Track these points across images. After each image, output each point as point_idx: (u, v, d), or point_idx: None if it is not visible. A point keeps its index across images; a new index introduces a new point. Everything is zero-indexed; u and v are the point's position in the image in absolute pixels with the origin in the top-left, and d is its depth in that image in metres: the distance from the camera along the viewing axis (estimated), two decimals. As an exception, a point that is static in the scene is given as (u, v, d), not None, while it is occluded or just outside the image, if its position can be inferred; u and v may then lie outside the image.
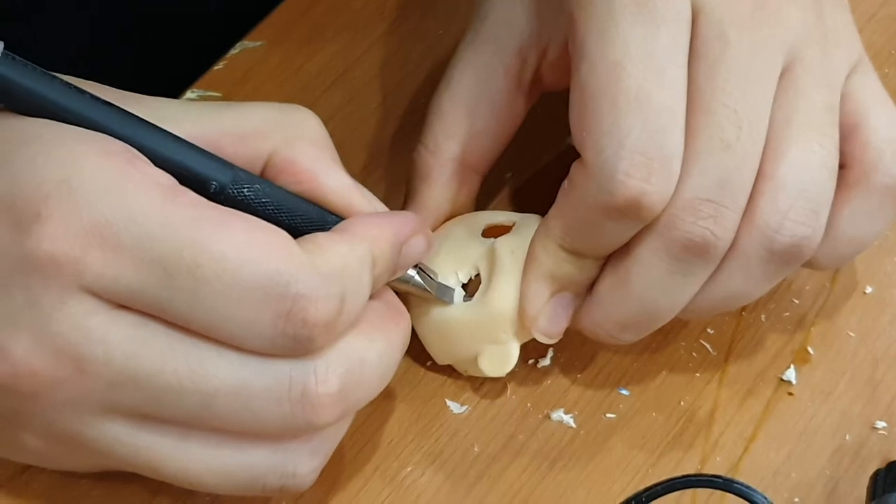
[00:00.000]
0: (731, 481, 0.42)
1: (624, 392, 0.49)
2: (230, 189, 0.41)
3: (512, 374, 0.49)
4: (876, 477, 0.45)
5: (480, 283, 0.47)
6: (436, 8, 0.59)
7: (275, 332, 0.39)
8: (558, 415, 0.48)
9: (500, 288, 0.46)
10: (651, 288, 0.44)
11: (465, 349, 0.47)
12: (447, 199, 0.49)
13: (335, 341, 0.40)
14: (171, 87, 0.55)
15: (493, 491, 0.47)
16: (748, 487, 0.42)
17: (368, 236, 0.42)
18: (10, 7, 0.57)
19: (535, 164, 0.54)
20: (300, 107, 0.44)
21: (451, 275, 0.47)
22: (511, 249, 0.46)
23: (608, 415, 0.48)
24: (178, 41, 0.59)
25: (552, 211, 0.45)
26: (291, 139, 0.43)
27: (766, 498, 0.41)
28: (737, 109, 0.42)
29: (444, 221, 0.50)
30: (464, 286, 0.47)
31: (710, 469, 0.47)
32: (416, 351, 0.49)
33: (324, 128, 0.44)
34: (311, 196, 0.43)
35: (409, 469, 0.47)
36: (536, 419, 0.48)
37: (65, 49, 0.57)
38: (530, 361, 0.49)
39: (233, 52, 0.57)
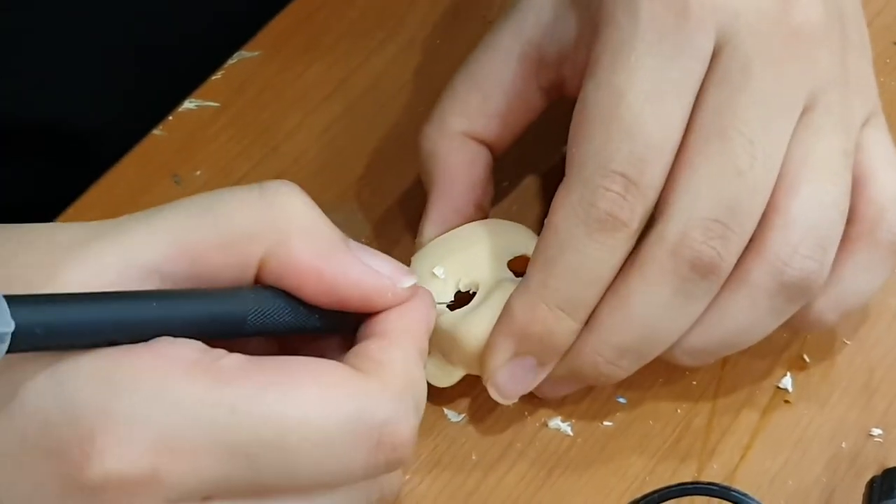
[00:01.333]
0: (728, 489, 0.43)
1: (621, 400, 0.49)
2: (251, 321, 0.39)
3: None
4: (872, 484, 0.45)
5: (470, 301, 0.47)
6: (434, 17, 0.59)
7: (367, 465, 0.38)
8: (555, 423, 0.48)
9: (475, 322, 0.46)
10: (653, 309, 0.44)
11: None
12: (460, 172, 0.49)
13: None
14: (169, 97, 0.56)
15: (490, 499, 0.47)
16: (744, 495, 0.42)
17: (411, 333, 0.41)
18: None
19: (536, 171, 0.54)
20: (282, 186, 0.40)
21: (454, 278, 0.47)
22: (508, 296, 0.46)
23: (605, 423, 0.49)
24: (175, 51, 0.59)
25: (532, 258, 0.45)
26: (283, 237, 0.39)
27: (762, 506, 0.41)
28: (752, 139, 0.43)
29: (465, 200, 0.49)
30: (459, 293, 0.47)
31: (706, 477, 0.47)
32: (414, 359, 0.49)
33: (309, 203, 0.40)
34: (322, 292, 0.40)
35: (407, 477, 0.47)
36: (534, 427, 0.48)
37: (63, 60, 0.58)
38: (528, 370, 0.49)
39: (230, 61, 0.57)
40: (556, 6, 0.49)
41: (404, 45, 0.58)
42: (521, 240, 0.48)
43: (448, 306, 0.47)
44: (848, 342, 0.50)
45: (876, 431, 0.48)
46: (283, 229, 0.39)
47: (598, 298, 0.44)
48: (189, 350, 0.37)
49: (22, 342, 0.34)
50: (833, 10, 0.45)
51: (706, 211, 0.43)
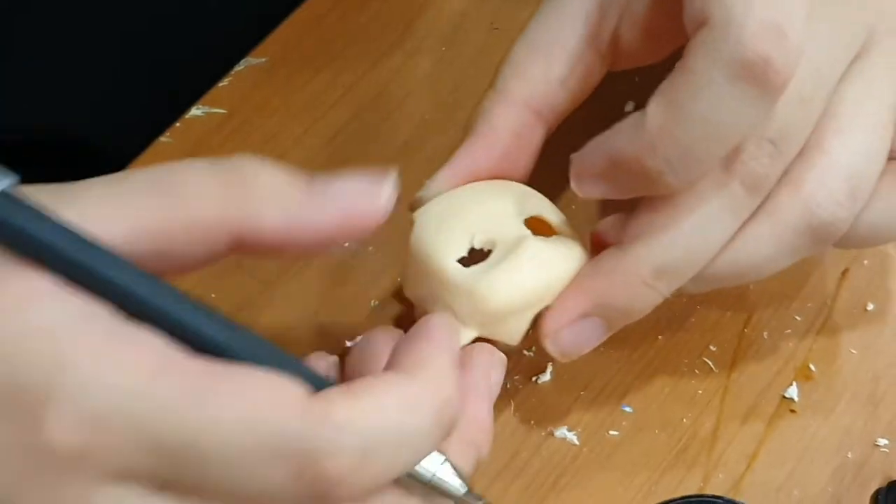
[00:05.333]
0: (732, 502, 0.43)
1: (627, 409, 0.49)
2: (226, 344, 0.36)
3: (514, 390, 0.49)
4: (877, 495, 0.45)
5: (486, 258, 0.45)
6: (441, 24, 0.59)
7: (289, 491, 0.36)
8: (562, 432, 0.49)
9: (497, 280, 0.44)
10: (700, 224, 0.43)
11: (430, 301, 0.45)
12: (504, 136, 0.47)
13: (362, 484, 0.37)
14: (176, 104, 0.56)
15: (496, 508, 0.47)
16: (749, 507, 0.43)
17: (431, 382, 0.37)
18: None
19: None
20: (247, 164, 0.38)
21: (468, 235, 0.45)
22: (534, 254, 0.44)
23: (611, 432, 0.49)
24: (182, 57, 0.59)
25: (635, 216, 0.44)
26: (251, 216, 0.37)
27: (767, 518, 0.41)
28: (819, 68, 0.42)
29: (494, 165, 0.47)
30: (472, 250, 0.45)
31: (712, 487, 0.47)
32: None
33: (274, 171, 0.39)
34: (303, 243, 0.38)
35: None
36: (540, 436, 0.49)
37: (66, 64, 0.58)
38: (533, 379, 0.50)
39: (237, 68, 0.57)
40: None
41: (411, 52, 0.58)
42: (534, 201, 0.47)
43: (461, 264, 0.45)
44: (854, 351, 0.51)
45: (882, 441, 0.48)
46: (251, 208, 0.37)
47: (697, 272, 0.44)
48: (149, 345, 0.36)
49: None
50: None
51: (762, 130, 0.42)
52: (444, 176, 0.47)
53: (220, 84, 0.57)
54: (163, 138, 0.55)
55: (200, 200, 0.37)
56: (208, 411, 0.35)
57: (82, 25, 0.57)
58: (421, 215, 0.46)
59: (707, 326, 0.51)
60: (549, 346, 0.45)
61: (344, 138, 0.56)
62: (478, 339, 0.45)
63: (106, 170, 0.53)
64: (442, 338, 0.39)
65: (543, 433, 0.49)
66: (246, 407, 0.35)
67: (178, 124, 0.56)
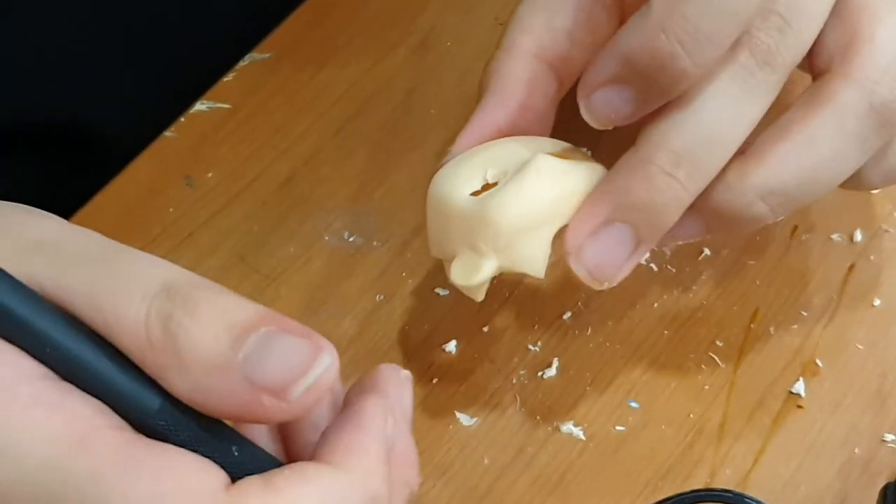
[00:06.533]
0: (741, 495, 0.43)
1: (633, 404, 0.49)
2: (153, 420, 0.35)
3: (520, 386, 0.49)
4: (885, 491, 0.45)
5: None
6: (445, 19, 0.59)
7: None
8: (568, 427, 0.48)
9: (504, 194, 0.42)
10: (710, 100, 0.41)
11: (450, 245, 0.44)
12: (517, 88, 0.46)
13: None
14: (180, 99, 0.56)
15: (502, 503, 0.47)
16: (757, 502, 0.42)
17: (357, 469, 0.35)
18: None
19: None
20: (186, 318, 0.35)
21: (481, 171, 0.44)
22: (542, 167, 0.43)
23: (617, 427, 0.49)
24: (186, 52, 0.59)
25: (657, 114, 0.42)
26: (164, 373, 0.35)
27: (775, 512, 0.41)
28: None
29: (513, 119, 0.46)
30: (485, 185, 0.44)
31: (719, 482, 0.47)
32: (425, 364, 0.49)
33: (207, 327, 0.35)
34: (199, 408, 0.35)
35: (419, 481, 0.47)
36: (546, 431, 0.48)
37: (72, 58, 0.58)
38: (539, 374, 0.49)
39: (242, 63, 0.57)
40: None
41: (415, 46, 0.58)
42: (554, 144, 0.45)
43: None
44: (861, 347, 0.50)
45: (889, 437, 0.48)
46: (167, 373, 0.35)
47: (720, 166, 0.42)
48: (75, 415, 0.34)
49: None
50: None
51: (768, 2, 0.41)
52: (464, 137, 0.46)
53: (225, 79, 0.57)
54: (167, 133, 0.55)
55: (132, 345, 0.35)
56: (118, 489, 0.33)
57: (88, 19, 0.57)
58: (439, 175, 0.45)
59: (713, 321, 0.51)
60: (575, 266, 0.43)
61: (348, 133, 0.56)
62: (501, 274, 0.44)
63: (111, 164, 0.54)
64: (373, 425, 0.37)
65: (549, 428, 0.48)
66: (155, 493, 0.33)
67: (182, 119, 0.56)
